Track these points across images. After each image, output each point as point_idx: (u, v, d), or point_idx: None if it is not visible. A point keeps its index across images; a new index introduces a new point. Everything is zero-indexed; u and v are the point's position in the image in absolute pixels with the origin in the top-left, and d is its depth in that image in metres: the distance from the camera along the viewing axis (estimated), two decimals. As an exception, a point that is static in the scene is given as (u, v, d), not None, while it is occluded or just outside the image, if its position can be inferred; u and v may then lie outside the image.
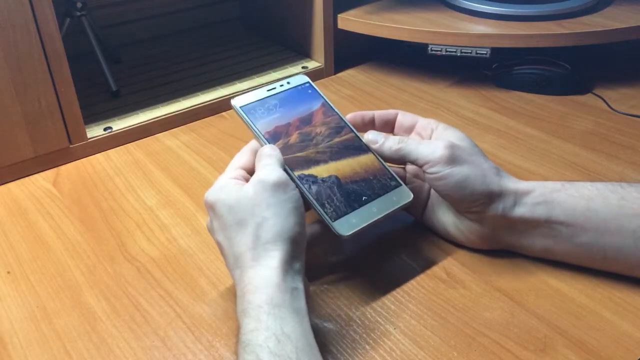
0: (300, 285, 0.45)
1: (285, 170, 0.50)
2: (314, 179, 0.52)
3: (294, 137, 0.54)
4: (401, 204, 0.54)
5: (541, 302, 0.51)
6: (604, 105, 0.82)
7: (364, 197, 0.52)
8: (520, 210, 0.52)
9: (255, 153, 0.52)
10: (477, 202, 0.52)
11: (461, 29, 0.84)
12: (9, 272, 0.56)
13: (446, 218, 0.56)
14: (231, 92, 0.84)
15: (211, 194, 0.48)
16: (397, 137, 0.55)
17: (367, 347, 0.47)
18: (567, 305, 0.50)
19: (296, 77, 0.59)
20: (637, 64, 0.94)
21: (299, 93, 0.58)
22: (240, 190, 0.47)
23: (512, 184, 0.53)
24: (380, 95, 0.87)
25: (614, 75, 0.88)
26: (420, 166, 0.53)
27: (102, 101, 0.83)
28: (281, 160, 0.50)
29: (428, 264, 0.55)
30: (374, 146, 0.55)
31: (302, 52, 0.95)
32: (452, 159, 0.52)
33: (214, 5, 1.07)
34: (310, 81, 0.59)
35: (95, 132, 0.75)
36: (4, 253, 0.59)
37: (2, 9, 0.62)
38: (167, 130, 0.79)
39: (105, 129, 0.76)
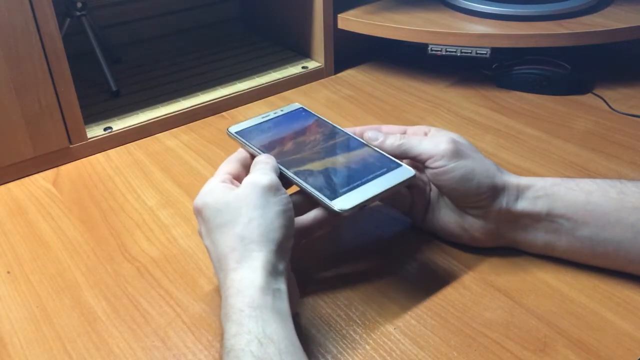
0: (283, 286, 0.44)
1: (280, 170, 0.51)
2: (310, 172, 0.52)
3: (289, 145, 0.55)
4: (403, 179, 0.51)
5: (541, 302, 0.51)
6: (604, 105, 0.82)
7: (364, 178, 0.51)
8: (523, 204, 0.52)
9: (241, 162, 0.53)
10: (482, 195, 0.52)
11: (461, 29, 0.84)
12: (9, 272, 0.56)
13: (448, 218, 0.56)
14: (231, 92, 0.84)
15: (199, 199, 0.48)
16: (397, 135, 0.55)
17: (367, 347, 0.47)
18: (567, 305, 0.50)
19: (289, 105, 0.61)
20: (637, 64, 0.94)
21: (293, 116, 0.60)
22: (229, 194, 0.47)
23: (514, 178, 0.53)
24: (380, 95, 0.87)
25: (614, 75, 0.88)
26: (424, 161, 0.53)
27: (102, 101, 0.83)
28: (275, 168, 0.50)
29: (428, 263, 0.55)
30: (374, 143, 0.55)
31: (302, 52, 0.95)
32: (456, 152, 0.52)
33: (214, 5, 1.07)
34: (304, 107, 0.61)
35: (95, 132, 0.75)
36: (4, 253, 0.59)
37: (2, 9, 0.62)
38: (167, 130, 0.79)
39: (105, 129, 0.76)
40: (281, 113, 0.60)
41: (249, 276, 0.43)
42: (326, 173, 0.52)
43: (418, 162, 0.54)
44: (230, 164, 0.52)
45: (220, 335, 0.48)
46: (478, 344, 0.47)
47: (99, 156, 0.74)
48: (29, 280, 0.55)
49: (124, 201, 0.66)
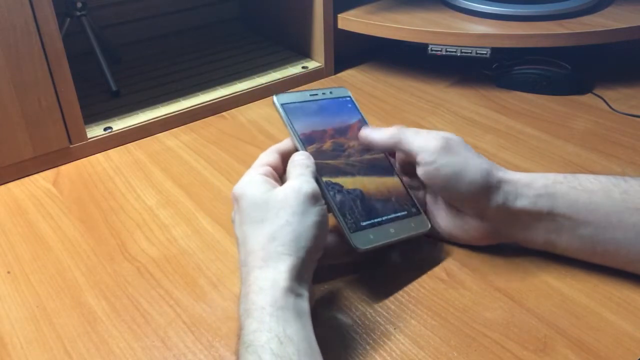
0: (305, 292, 0.45)
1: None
2: (339, 188, 0.52)
3: (327, 144, 0.55)
4: (418, 231, 0.55)
5: (541, 302, 0.51)
6: (604, 105, 0.82)
7: (384, 217, 0.53)
8: (522, 202, 0.52)
9: (281, 154, 0.53)
10: (475, 193, 0.51)
11: (461, 29, 0.84)
12: (9, 272, 0.56)
13: (446, 219, 0.56)
14: (231, 92, 0.84)
15: (238, 188, 0.49)
16: (393, 128, 0.56)
17: (367, 347, 0.47)
18: (567, 305, 0.50)
19: (339, 89, 0.60)
20: (637, 64, 0.94)
21: (339, 105, 0.59)
22: (270, 191, 0.48)
23: (511, 175, 0.53)
24: (380, 95, 0.87)
25: (614, 75, 0.88)
26: (415, 157, 0.53)
27: (102, 101, 0.83)
28: (314, 172, 0.51)
29: (428, 264, 0.55)
30: (368, 138, 0.56)
31: (302, 52, 0.95)
32: (446, 148, 0.52)
33: (214, 5, 1.07)
34: (352, 96, 0.60)
35: (95, 132, 0.75)
36: (4, 253, 0.59)
37: (2, 9, 0.62)
38: (167, 130, 0.79)
39: (105, 129, 0.76)
40: (330, 96, 0.58)
41: (273, 277, 0.44)
42: (354, 195, 0.53)
43: (410, 159, 0.54)
44: (270, 155, 0.53)
45: (220, 336, 0.49)
46: (478, 344, 0.47)
47: (99, 156, 0.74)
48: (29, 280, 0.55)
49: (124, 201, 0.66)
